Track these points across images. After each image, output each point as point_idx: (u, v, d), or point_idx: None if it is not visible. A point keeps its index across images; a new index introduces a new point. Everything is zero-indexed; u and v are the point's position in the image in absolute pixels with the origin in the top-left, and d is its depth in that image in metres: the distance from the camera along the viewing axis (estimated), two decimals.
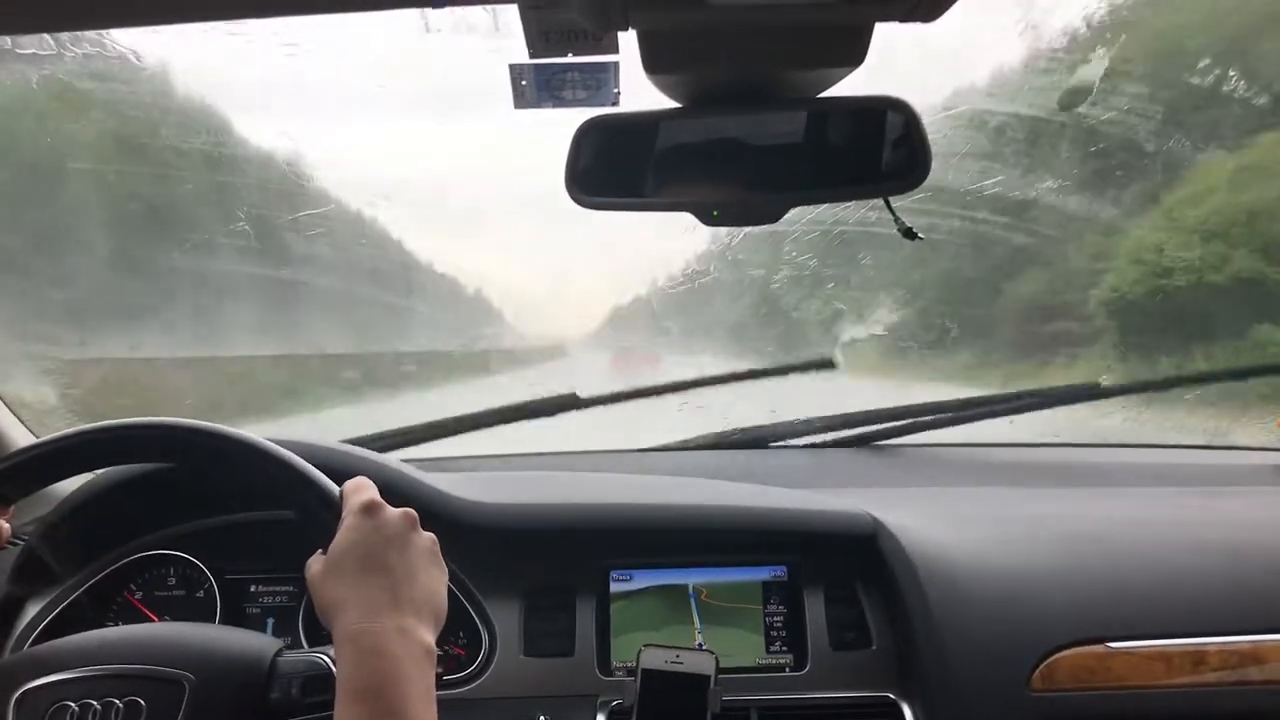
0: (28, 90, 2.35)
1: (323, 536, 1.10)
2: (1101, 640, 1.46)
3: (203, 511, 1.70)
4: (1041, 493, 1.94)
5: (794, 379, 2.34)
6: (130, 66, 2.38)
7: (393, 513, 1.10)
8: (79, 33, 2.03)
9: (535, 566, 1.65)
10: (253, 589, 1.69)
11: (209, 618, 1.63)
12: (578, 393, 2.15)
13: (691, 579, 1.66)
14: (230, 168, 2.62)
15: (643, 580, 1.65)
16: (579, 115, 1.26)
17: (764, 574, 1.66)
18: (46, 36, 1.99)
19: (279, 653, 1.17)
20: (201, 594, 1.66)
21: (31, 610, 1.59)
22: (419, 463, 1.74)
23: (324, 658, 1.15)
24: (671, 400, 2.26)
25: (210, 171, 2.63)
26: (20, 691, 1.08)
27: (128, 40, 2.17)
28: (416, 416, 2.08)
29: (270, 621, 1.66)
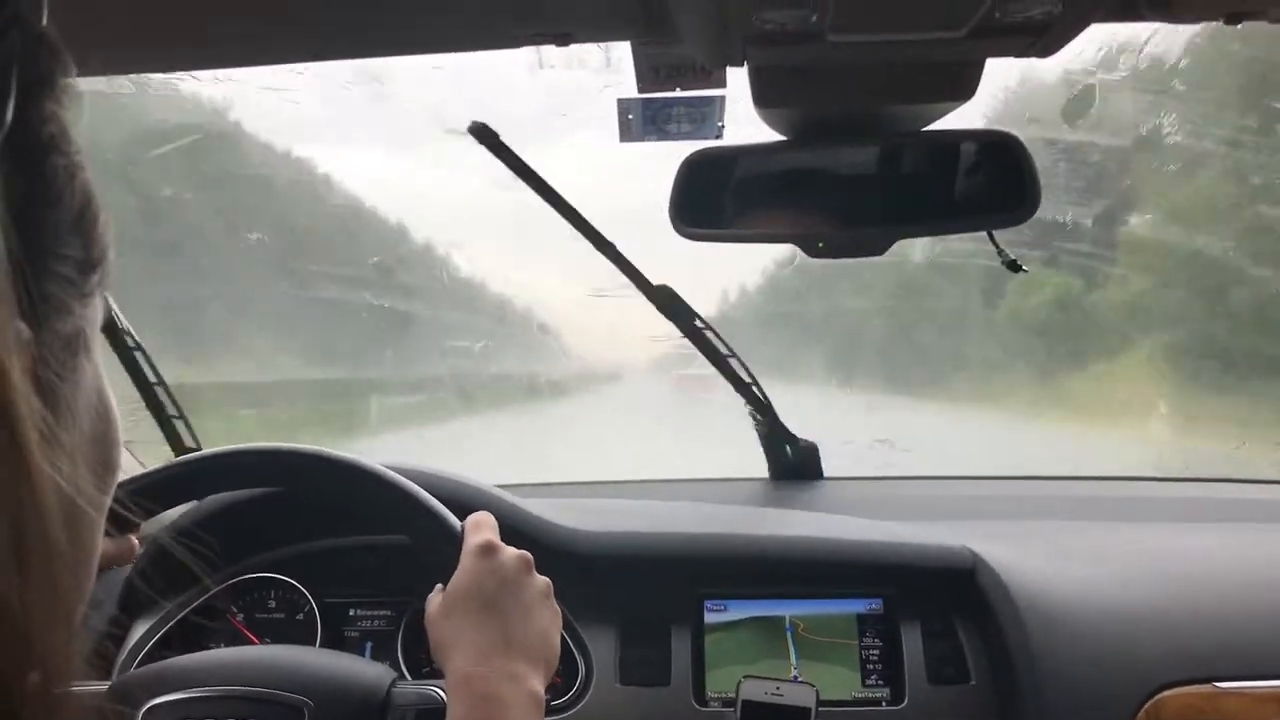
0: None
1: (440, 567, 1.12)
2: (1210, 680, 1.42)
3: (303, 535, 1.73)
4: (1142, 527, 1.90)
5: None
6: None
7: (509, 555, 1.11)
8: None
9: (631, 595, 1.66)
10: (352, 613, 1.71)
11: (309, 640, 1.65)
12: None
13: (786, 610, 1.65)
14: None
15: (737, 611, 1.65)
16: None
17: (860, 606, 1.65)
18: None
19: (394, 683, 1.18)
20: (301, 617, 1.69)
21: (138, 630, 1.63)
22: (514, 489, 1.76)
23: (438, 692, 1.16)
24: None
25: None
26: (145, 708, 1.11)
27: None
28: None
29: (369, 645, 1.68)
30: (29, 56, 0.50)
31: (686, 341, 1.93)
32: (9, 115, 0.48)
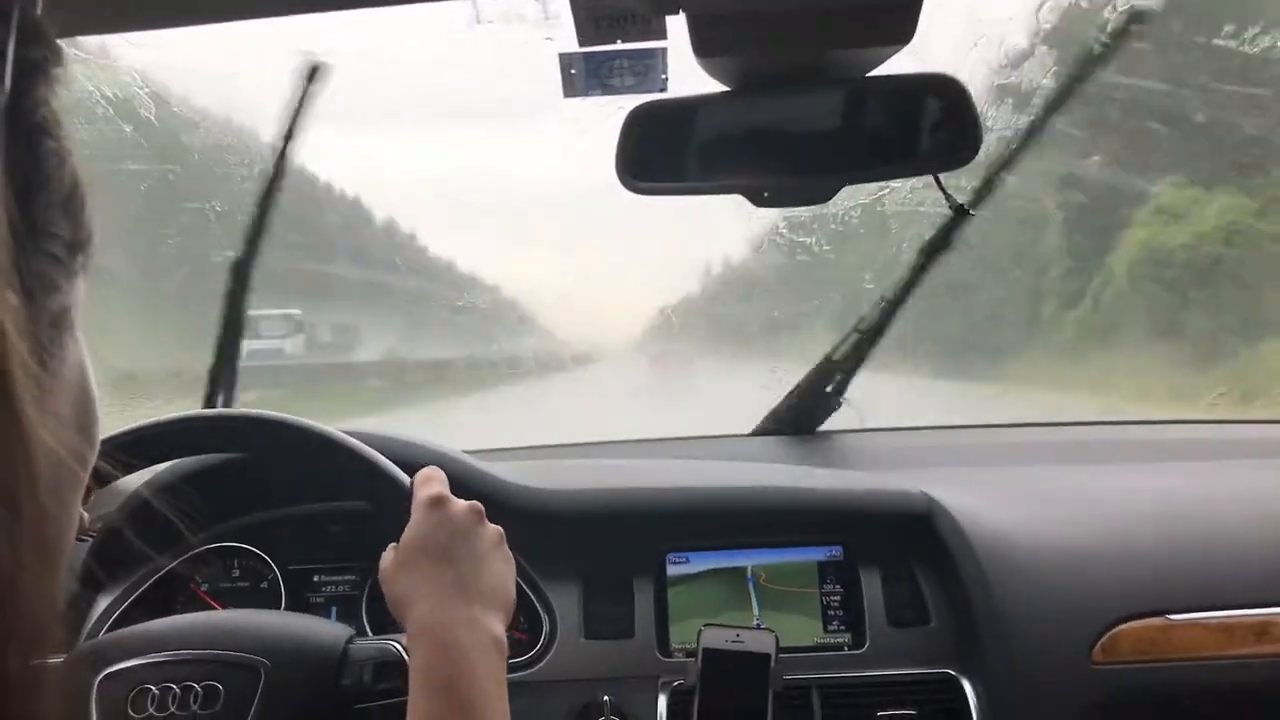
0: None
1: (394, 526, 1.12)
2: (1163, 612, 1.46)
3: (264, 504, 1.73)
4: (1095, 469, 1.93)
5: None
6: None
7: (460, 506, 1.12)
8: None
9: (593, 551, 1.67)
10: (316, 579, 1.71)
11: (274, 608, 1.66)
12: None
13: (747, 560, 1.67)
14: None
15: (699, 563, 1.67)
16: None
17: (820, 554, 1.67)
18: None
19: (350, 640, 1.19)
20: (265, 585, 1.69)
21: (102, 603, 1.62)
22: (478, 453, 1.76)
23: (394, 645, 1.17)
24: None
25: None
26: (103, 674, 1.11)
27: None
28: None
29: (334, 610, 1.69)
30: (24, 43, 0.52)
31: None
32: (4, 97, 0.50)
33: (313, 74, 1.75)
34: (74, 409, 0.62)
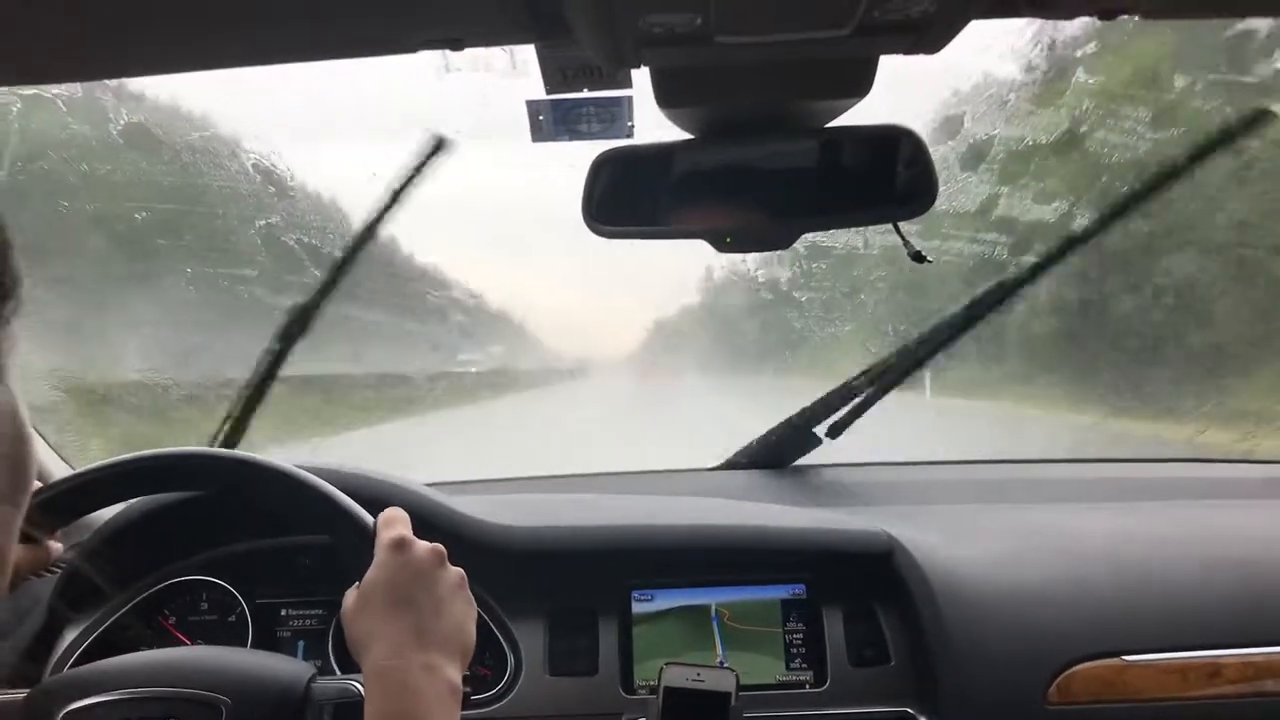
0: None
1: (357, 565, 1.13)
2: (1117, 654, 1.48)
3: (233, 537, 1.73)
4: (1053, 508, 1.95)
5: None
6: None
7: (421, 549, 1.12)
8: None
9: (558, 587, 1.68)
10: (283, 613, 1.72)
11: (241, 642, 1.66)
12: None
13: (711, 598, 1.68)
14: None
15: (664, 600, 1.68)
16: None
17: (783, 592, 1.69)
18: None
19: (312, 679, 1.20)
20: (234, 618, 1.70)
21: (69, 635, 1.63)
22: (443, 486, 1.77)
23: (356, 685, 1.18)
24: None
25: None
26: (63, 713, 1.11)
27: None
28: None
29: (301, 644, 1.70)
30: None
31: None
32: None
33: (437, 147, 1.76)
34: (8, 448, 0.63)
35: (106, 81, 2.13)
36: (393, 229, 1.84)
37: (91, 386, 2.78)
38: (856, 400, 2.04)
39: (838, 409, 2.08)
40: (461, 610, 1.13)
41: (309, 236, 2.59)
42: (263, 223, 2.68)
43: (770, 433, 2.18)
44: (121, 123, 2.30)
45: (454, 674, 1.06)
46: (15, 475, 0.66)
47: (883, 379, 2.01)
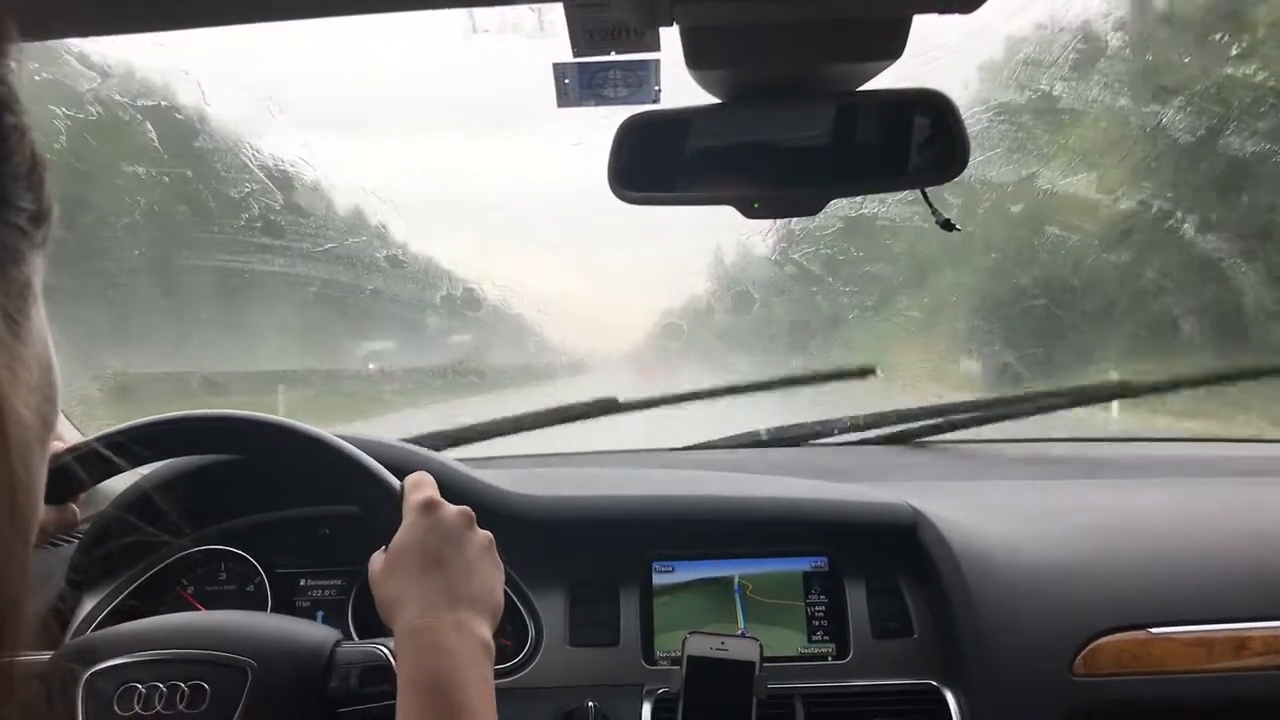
0: None
1: (385, 530, 1.13)
2: (1143, 626, 1.47)
3: (252, 507, 1.73)
4: (1077, 484, 1.95)
5: (832, 386, 2.37)
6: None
7: (450, 510, 1.12)
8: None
9: (580, 558, 1.68)
10: (302, 583, 1.72)
11: (260, 611, 1.66)
12: (617, 398, 2.20)
13: (733, 570, 1.68)
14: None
15: (685, 572, 1.68)
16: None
17: (805, 564, 1.68)
18: None
19: (338, 643, 1.19)
20: (252, 588, 1.69)
21: (88, 604, 1.62)
22: (469, 461, 1.77)
23: (382, 649, 1.17)
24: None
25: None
26: (90, 671, 1.11)
27: None
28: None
29: (320, 614, 1.69)
30: None
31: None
32: None
33: None
34: (39, 377, 0.62)
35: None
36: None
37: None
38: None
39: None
40: (491, 572, 1.12)
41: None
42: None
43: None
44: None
45: (486, 632, 1.06)
46: (49, 398, 0.65)
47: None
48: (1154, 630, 1.46)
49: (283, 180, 2.61)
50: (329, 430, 1.28)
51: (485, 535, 1.14)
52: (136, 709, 1.10)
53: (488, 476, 1.71)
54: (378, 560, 1.12)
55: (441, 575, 1.07)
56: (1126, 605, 1.50)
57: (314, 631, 1.22)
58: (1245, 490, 1.89)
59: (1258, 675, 1.45)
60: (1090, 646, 1.46)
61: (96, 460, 1.20)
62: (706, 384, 2.34)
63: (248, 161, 2.52)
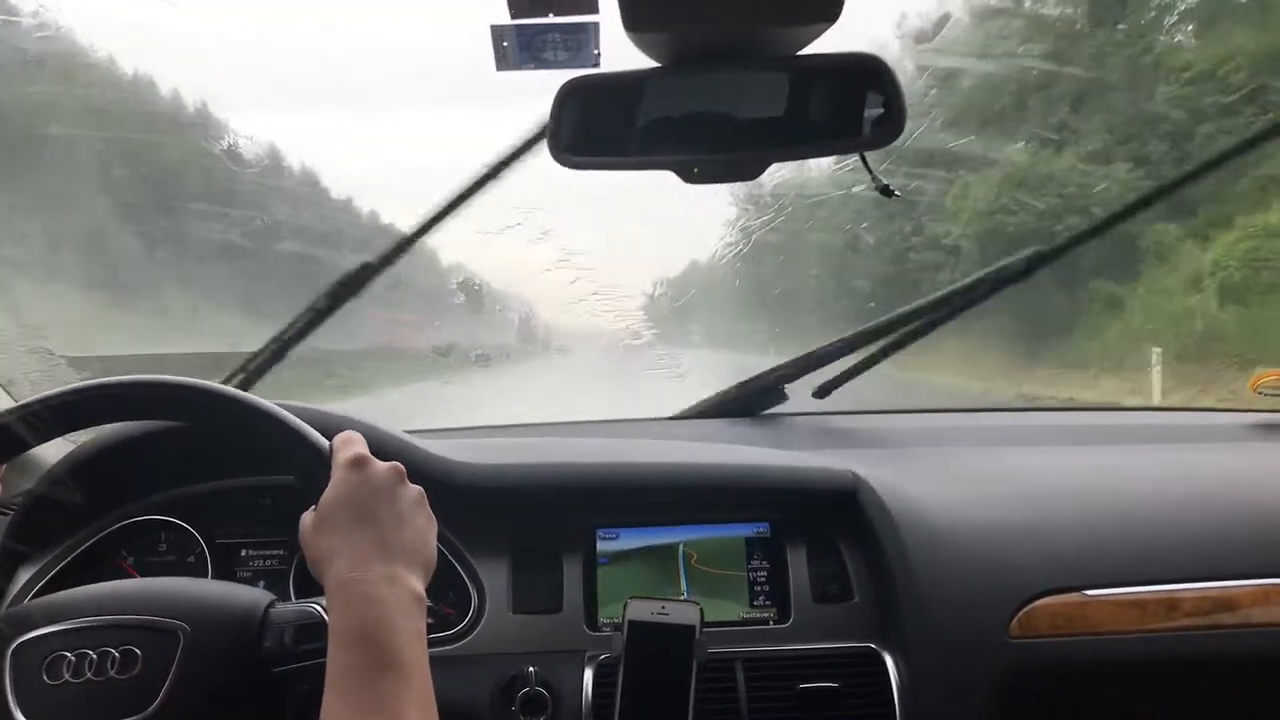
0: None
1: (315, 491, 1.12)
2: (1078, 588, 1.49)
3: (192, 477, 1.71)
4: (1017, 451, 1.97)
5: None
6: None
7: (380, 466, 1.12)
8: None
9: (522, 526, 1.67)
10: (243, 553, 1.70)
11: None
12: None
13: (677, 537, 1.68)
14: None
15: (629, 539, 1.68)
16: None
17: (747, 530, 1.69)
18: None
19: (271, 604, 1.19)
20: (193, 559, 1.68)
21: (23, 576, 1.60)
22: (416, 433, 1.76)
23: (315, 607, 1.17)
24: None
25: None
26: (16, 642, 1.10)
27: None
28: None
29: (261, 584, 1.68)
30: None
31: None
32: None
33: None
34: None
35: None
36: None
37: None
38: (853, 361, 2.06)
39: (813, 368, 2.09)
40: (423, 525, 1.12)
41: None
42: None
43: (741, 384, 2.18)
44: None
45: (418, 584, 1.06)
46: None
47: (874, 340, 2.02)
48: (1089, 593, 1.49)
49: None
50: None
51: (417, 490, 1.14)
52: (67, 677, 1.08)
53: (434, 446, 1.70)
54: (308, 518, 1.11)
55: (373, 529, 1.06)
56: (1062, 568, 1.52)
57: (247, 594, 1.21)
58: (1178, 456, 1.92)
59: (1188, 635, 1.48)
60: (1026, 609, 1.48)
61: (15, 432, 1.17)
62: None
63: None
